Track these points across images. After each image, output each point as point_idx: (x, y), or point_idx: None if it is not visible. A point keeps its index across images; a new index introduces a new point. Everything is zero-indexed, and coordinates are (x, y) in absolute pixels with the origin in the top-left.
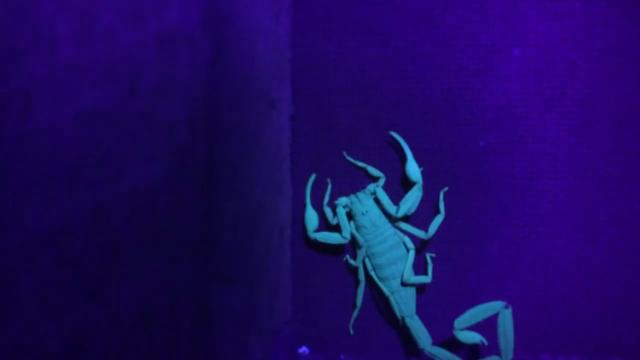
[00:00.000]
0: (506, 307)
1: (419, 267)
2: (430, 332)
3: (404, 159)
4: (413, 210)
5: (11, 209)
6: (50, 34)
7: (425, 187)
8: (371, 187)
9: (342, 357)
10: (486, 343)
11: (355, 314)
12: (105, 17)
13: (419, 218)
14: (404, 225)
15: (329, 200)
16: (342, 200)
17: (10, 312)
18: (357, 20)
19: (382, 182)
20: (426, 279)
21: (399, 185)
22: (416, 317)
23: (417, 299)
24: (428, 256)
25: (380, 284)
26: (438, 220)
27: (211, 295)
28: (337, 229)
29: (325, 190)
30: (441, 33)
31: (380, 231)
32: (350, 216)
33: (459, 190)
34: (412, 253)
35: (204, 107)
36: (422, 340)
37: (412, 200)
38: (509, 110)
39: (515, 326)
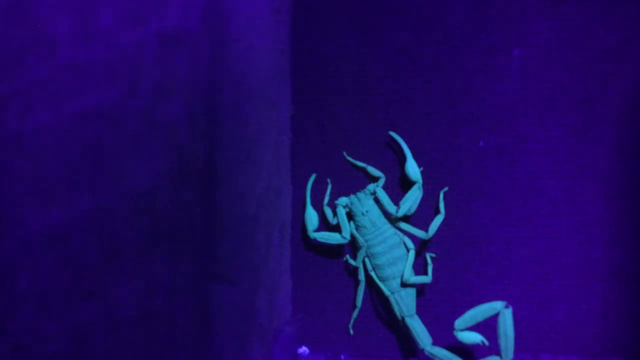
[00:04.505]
0: (506, 307)
1: (419, 267)
2: (430, 332)
3: (403, 159)
4: (413, 210)
5: (11, 209)
6: (50, 34)
7: (425, 187)
8: (371, 187)
9: (342, 357)
10: (487, 343)
11: (355, 314)
12: (105, 17)
13: (419, 218)
14: (404, 225)
15: (329, 200)
16: (342, 200)
17: (10, 312)
18: (357, 20)
19: (382, 182)
20: (426, 279)
21: (399, 185)
22: (416, 317)
23: (417, 299)
24: (428, 256)
25: (380, 284)
26: (438, 220)
27: (211, 295)
28: (337, 229)
29: (325, 190)
30: (441, 33)
31: (380, 231)
32: (350, 216)
33: (459, 190)
34: (412, 253)
35: (204, 107)
36: (422, 340)
37: (412, 200)
38: (509, 110)
39: (515, 326)
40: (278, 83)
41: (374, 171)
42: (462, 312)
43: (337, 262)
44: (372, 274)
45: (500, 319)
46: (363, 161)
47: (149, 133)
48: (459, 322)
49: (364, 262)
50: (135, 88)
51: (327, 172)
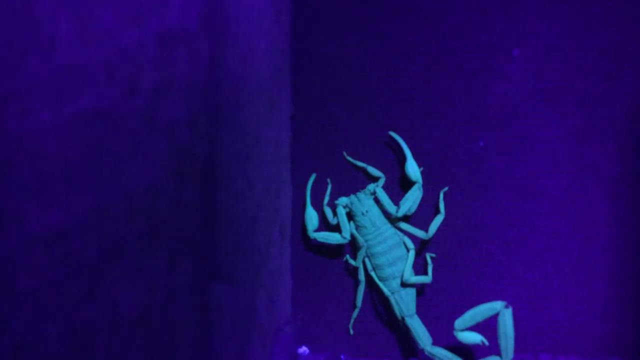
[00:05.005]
0: (506, 307)
1: (419, 267)
2: (430, 332)
3: (403, 158)
4: (413, 210)
5: (11, 209)
6: (50, 34)
7: (425, 187)
8: (371, 187)
9: (342, 357)
10: (487, 343)
11: (355, 314)
12: (105, 17)
13: (419, 218)
14: (404, 225)
15: (329, 200)
16: (342, 200)
17: (10, 312)
18: (357, 20)
19: (382, 182)
20: (426, 279)
21: (399, 185)
22: (416, 317)
23: (417, 299)
24: (428, 256)
25: (380, 284)
26: (438, 220)
27: (211, 295)
28: (337, 229)
29: (325, 190)
30: (441, 33)
31: (380, 231)
32: (350, 216)
33: (459, 190)
34: (412, 253)
35: (204, 107)
36: (422, 340)
37: (412, 200)
38: (509, 110)
39: (515, 326)
40: (278, 83)
41: (374, 171)
42: (462, 312)
43: (337, 262)
44: (372, 274)
45: (500, 319)
46: (363, 161)
47: (149, 133)
48: (459, 322)
49: (364, 262)
50: (135, 88)
51: (327, 172)
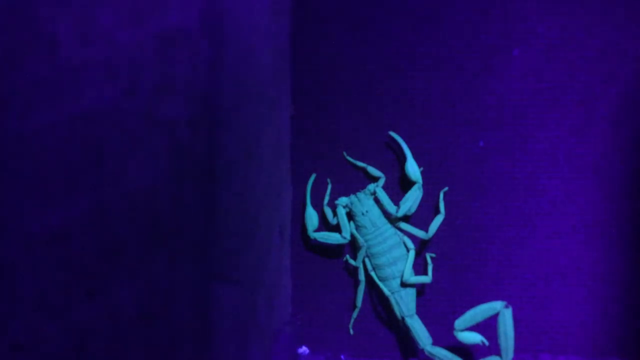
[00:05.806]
0: (506, 307)
1: (419, 267)
2: (430, 332)
3: (403, 159)
4: (413, 210)
5: (11, 209)
6: (50, 34)
7: (425, 187)
8: (371, 187)
9: (342, 357)
10: (487, 343)
11: (355, 314)
12: (105, 17)
13: (419, 218)
14: (404, 225)
15: (329, 200)
16: (342, 200)
17: (10, 312)
18: (357, 20)
19: (382, 182)
20: (426, 279)
21: (399, 185)
22: (416, 317)
23: (417, 299)
24: (428, 256)
25: (380, 284)
26: (438, 220)
27: (211, 295)
28: (337, 229)
29: (325, 190)
30: (441, 33)
31: (380, 231)
32: (350, 216)
33: (459, 190)
34: (412, 253)
35: (204, 107)
36: (422, 340)
37: (412, 200)
38: (509, 110)
39: (515, 326)
40: (278, 83)
41: (374, 171)
42: (462, 312)
43: (337, 262)
44: (372, 274)
45: (500, 319)
46: (363, 161)
47: (149, 133)
48: (459, 322)
49: (364, 262)
50: (135, 88)
51: (327, 172)
